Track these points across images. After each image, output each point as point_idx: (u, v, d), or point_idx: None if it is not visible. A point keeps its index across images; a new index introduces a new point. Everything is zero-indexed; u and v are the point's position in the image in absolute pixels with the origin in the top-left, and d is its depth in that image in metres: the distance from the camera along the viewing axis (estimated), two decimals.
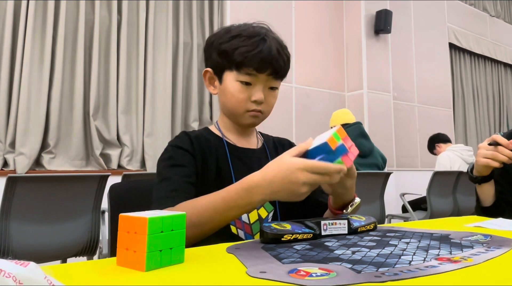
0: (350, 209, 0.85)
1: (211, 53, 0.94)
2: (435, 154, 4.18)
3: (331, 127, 3.29)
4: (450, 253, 0.58)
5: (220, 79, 0.94)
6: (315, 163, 0.67)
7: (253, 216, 0.91)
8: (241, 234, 0.89)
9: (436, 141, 4.18)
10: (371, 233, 0.77)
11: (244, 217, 0.90)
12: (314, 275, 0.47)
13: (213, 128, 1.01)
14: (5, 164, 2.86)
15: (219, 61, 0.92)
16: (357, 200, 0.86)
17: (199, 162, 0.91)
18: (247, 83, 0.90)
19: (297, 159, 0.68)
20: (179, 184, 0.85)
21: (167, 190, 0.84)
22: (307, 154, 0.70)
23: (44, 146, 2.99)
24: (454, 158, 3.85)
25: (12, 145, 2.86)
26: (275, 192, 0.69)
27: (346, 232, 0.75)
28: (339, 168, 0.67)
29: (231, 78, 0.91)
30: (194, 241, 0.76)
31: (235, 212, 0.74)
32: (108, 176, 2.04)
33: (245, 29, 0.91)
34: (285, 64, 0.92)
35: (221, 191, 0.76)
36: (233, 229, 0.89)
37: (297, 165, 0.66)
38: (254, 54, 0.87)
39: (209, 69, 0.96)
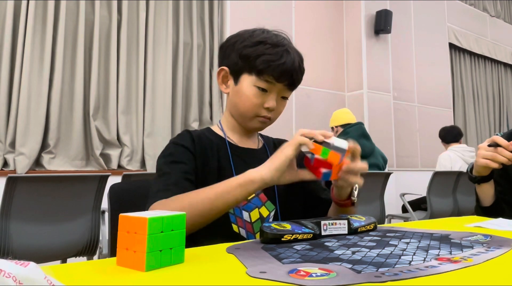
0: (355, 194, 0.87)
1: (230, 53, 0.95)
2: None
3: (332, 128, 3.31)
4: (450, 253, 0.59)
5: (236, 80, 0.95)
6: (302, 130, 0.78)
7: (255, 215, 0.91)
8: (242, 232, 0.90)
9: (441, 138, 4.10)
10: (371, 233, 0.77)
11: (246, 216, 0.90)
12: (314, 275, 0.47)
13: (215, 128, 1.02)
14: (5, 164, 2.86)
15: (238, 63, 0.93)
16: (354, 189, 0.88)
17: (199, 161, 0.91)
18: (263, 90, 0.92)
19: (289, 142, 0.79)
20: (177, 179, 0.86)
21: (163, 184, 0.85)
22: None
23: (44, 146, 2.99)
24: (455, 158, 3.83)
25: (12, 145, 2.86)
26: (269, 162, 0.77)
27: (346, 232, 0.75)
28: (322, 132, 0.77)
29: (248, 82, 0.92)
30: (195, 227, 0.77)
31: (235, 192, 0.76)
32: (108, 176, 2.04)
33: (269, 37, 0.92)
34: (301, 77, 0.96)
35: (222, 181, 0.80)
36: (235, 227, 0.89)
37: (287, 143, 0.78)
38: (277, 64, 0.89)
39: (225, 68, 0.97)
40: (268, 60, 0.89)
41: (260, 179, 0.76)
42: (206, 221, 0.77)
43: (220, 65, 0.99)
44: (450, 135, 4.06)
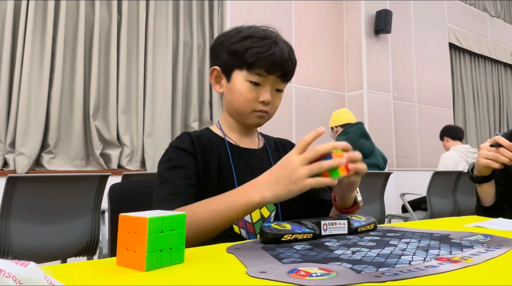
0: (359, 198, 0.86)
1: (220, 52, 0.95)
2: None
3: (331, 128, 3.31)
4: (450, 253, 0.58)
5: (229, 78, 0.94)
6: (309, 152, 0.69)
7: (256, 216, 0.91)
8: (243, 233, 0.90)
9: (446, 134, 4.00)
10: (371, 233, 0.77)
11: (247, 216, 0.90)
12: (314, 275, 0.47)
13: (214, 128, 1.01)
14: (5, 164, 2.86)
15: (229, 60, 0.92)
16: (357, 192, 0.87)
17: (200, 163, 0.90)
18: (256, 84, 0.91)
19: (295, 156, 0.70)
20: (179, 187, 0.85)
21: (166, 193, 0.84)
22: None
23: (44, 146, 2.99)
24: (458, 159, 3.75)
25: (12, 145, 2.87)
26: (274, 185, 0.70)
27: (346, 232, 0.75)
28: (331, 145, 0.69)
29: (240, 78, 0.91)
30: (196, 244, 0.75)
31: (235, 213, 0.74)
32: (108, 176, 2.04)
33: (256, 31, 0.92)
34: (293, 68, 0.94)
35: (222, 194, 0.77)
36: (236, 228, 0.89)
37: (294, 161, 0.69)
38: (266, 56, 0.88)
39: (217, 67, 0.96)
40: (256, 52, 0.88)
41: (262, 201, 0.72)
42: (209, 236, 0.76)
43: (211, 65, 0.98)
44: (455, 132, 3.97)
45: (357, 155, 0.72)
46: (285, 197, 0.70)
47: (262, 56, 0.88)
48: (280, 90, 0.95)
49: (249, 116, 0.94)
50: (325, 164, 0.68)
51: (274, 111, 0.96)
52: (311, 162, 0.69)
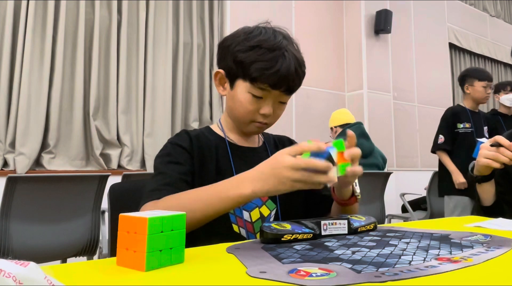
0: (357, 190, 0.86)
1: (226, 56, 0.92)
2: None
3: (331, 128, 3.30)
4: (450, 253, 0.59)
5: (232, 85, 0.93)
6: (301, 160, 0.67)
7: (255, 215, 0.91)
8: (243, 232, 0.89)
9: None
10: (371, 233, 0.77)
11: (246, 216, 0.90)
12: (314, 275, 0.47)
13: (215, 127, 1.01)
14: (5, 164, 2.86)
15: (233, 68, 0.90)
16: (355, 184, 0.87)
17: (196, 161, 0.91)
18: (259, 97, 0.89)
19: (286, 157, 0.68)
20: (173, 179, 0.85)
21: (159, 183, 0.84)
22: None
23: (44, 145, 2.99)
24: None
25: (12, 145, 2.86)
26: (264, 182, 0.69)
27: (346, 232, 0.75)
28: (325, 165, 0.66)
29: (243, 88, 0.89)
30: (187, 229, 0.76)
31: (226, 204, 0.73)
32: (108, 176, 2.04)
33: (265, 39, 0.87)
34: (300, 82, 0.91)
35: (211, 184, 0.77)
36: (235, 227, 0.89)
37: (284, 163, 0.67)
38: (272, 73, 0.85)
39: (221, 71, 0.95)
40: (261, 68, 0.85)
41: (253, 195, 0.71)
42: (196, 225, 0.76)
43: (218, 65, 0.97)
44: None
45: (357, 152, 0.74)
46: (275, 193, 0.71)
47: (267, 72, 0.85)
48: (283, 103, 0.93)
49: (247, 126, 0.94)
50: (314, 177, 0.67)
51: (274, 122, 0.96)
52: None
